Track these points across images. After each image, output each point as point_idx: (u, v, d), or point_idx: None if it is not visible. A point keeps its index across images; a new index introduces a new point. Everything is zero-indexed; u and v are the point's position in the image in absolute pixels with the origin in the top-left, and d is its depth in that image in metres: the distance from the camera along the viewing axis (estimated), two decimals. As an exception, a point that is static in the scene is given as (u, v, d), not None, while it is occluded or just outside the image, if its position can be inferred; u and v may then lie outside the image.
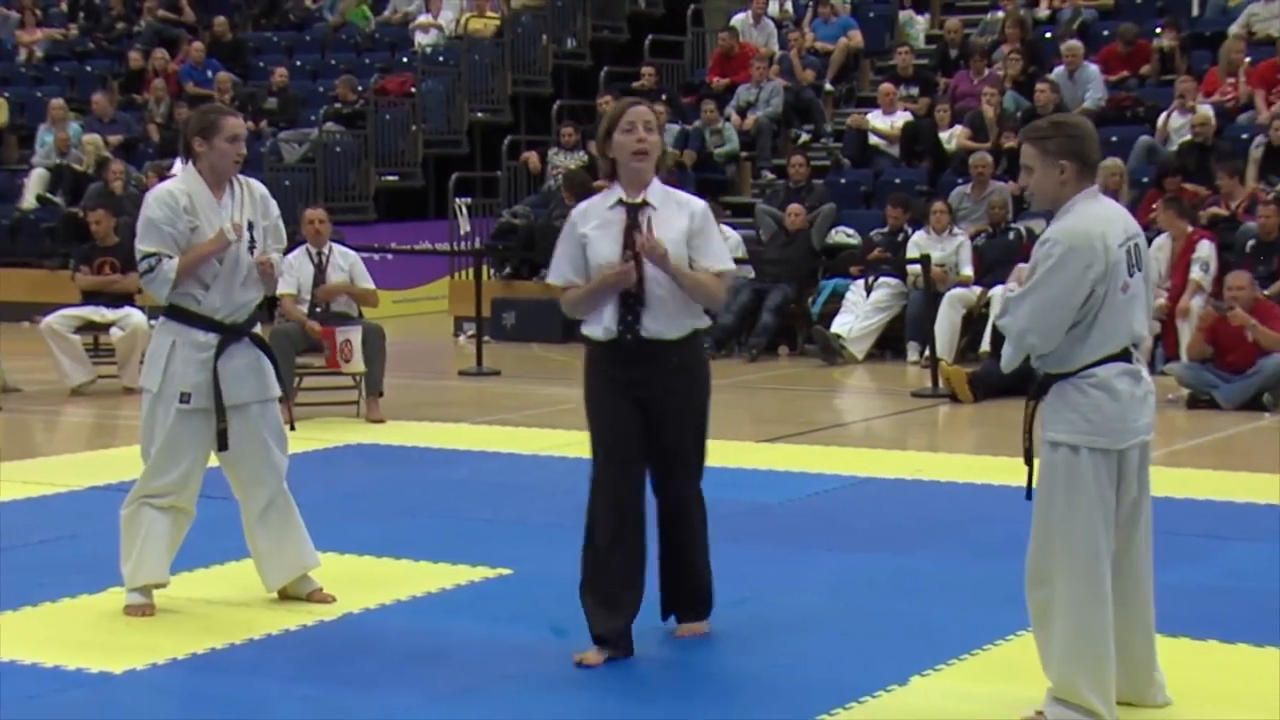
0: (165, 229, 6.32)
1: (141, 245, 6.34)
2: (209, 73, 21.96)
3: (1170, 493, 8.83)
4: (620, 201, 5.80)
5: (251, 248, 6.44)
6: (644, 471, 5.94)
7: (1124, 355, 5.03)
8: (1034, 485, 5.20)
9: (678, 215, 5.81)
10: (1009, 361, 5.09)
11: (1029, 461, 5.22)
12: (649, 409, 5.88)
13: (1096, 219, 4.98)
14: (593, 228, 5.79)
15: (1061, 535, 5.03)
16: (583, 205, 5.94)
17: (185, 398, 6.37)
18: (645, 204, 5.79)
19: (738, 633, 6.26)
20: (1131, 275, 5.00)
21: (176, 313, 6.41)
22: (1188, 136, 15.91)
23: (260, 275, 6.46)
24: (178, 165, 6.59)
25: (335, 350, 11.44)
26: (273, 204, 6.60)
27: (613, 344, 5.84)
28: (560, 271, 5.90)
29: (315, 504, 7.63)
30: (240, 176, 6.54)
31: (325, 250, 11.78)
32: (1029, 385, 5.22)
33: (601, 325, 5.86)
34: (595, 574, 5.85)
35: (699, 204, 5.89)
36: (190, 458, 6.44)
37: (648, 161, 5.75)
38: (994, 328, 13.51)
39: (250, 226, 6.44)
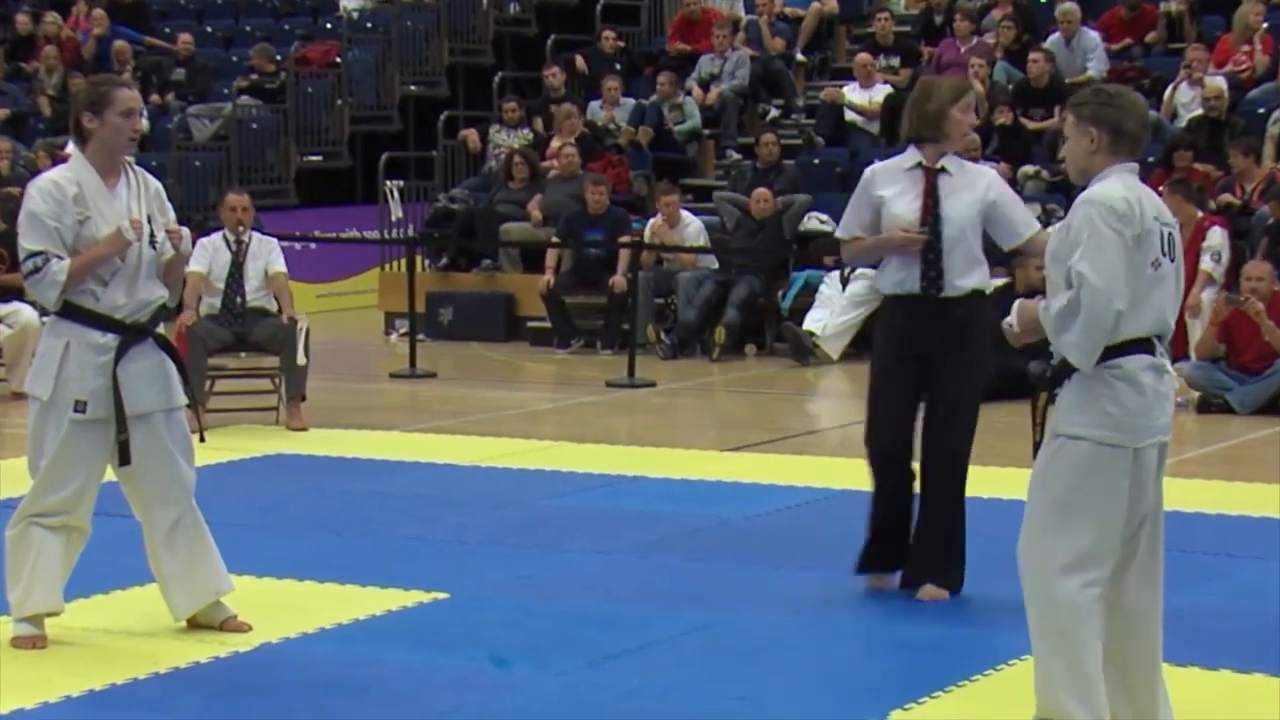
0: (51, 224, 6.28)
1: (26, 243, 6.29)
2: (114, 42, 21.83)
3: (1178, 506, 8.86)
4: (919, 165, 7.02)
5: (153, 242, 6.43)
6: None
7: (1148, 345, 5.08)
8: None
9: (971, 184, 7.00)
10: (1093, 349, 4.99)
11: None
12: (931, 363, 7.00)
13: (1133, 186, 5.10)
14: (892, 191, 7.04)
15: (1061, 538, 5.07)
16: (878, 165, 7.21)
17: (80, 406, 6.34)
18: (943, 169, 6.99)
19: (700, 660, 6.29)
20: (1165, 255, 5.09)
21: (71, 311, 6.37)
22: (1198, 111, 16.01)
23: (170, 244, 6.46)
24: (72, 145, 6.57)
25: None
26: (169, 205, 6.60)
27: (912, 299, 6.99)
28: (848, 227, 7.32)
29: (230, 521, 7.62)
30: (136, 167, 6.55)
31: (245, 238, 11.74)
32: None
33: (896, 280, 7.03)
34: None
35: (991, 172, 7.13)
36: (85, 472, 6.41)
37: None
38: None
39: (149, 220, 6.43)
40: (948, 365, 7.02)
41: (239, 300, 11.71)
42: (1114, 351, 5.04)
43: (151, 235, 6.42)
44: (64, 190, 6.33)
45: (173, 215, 6.61)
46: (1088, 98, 5.23)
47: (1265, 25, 17.03)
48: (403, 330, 16.45)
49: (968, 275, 6.97)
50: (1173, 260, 5.14)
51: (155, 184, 6.58)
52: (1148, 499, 5.15)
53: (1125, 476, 5.07)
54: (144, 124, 19.23)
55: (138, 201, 6.43)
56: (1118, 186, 5.07)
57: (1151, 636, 5.23)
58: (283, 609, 6.96)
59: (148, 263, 6.42)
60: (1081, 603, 5.04)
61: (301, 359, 11.66)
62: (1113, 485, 5.06)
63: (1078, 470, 5.06)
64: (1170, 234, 5.15)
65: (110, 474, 6.52)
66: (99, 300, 6.35)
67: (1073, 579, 5.04)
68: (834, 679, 6.10)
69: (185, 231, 6.59)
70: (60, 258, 6.26)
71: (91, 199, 6.33)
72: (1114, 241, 4.98)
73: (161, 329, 6.61)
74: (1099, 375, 5.05)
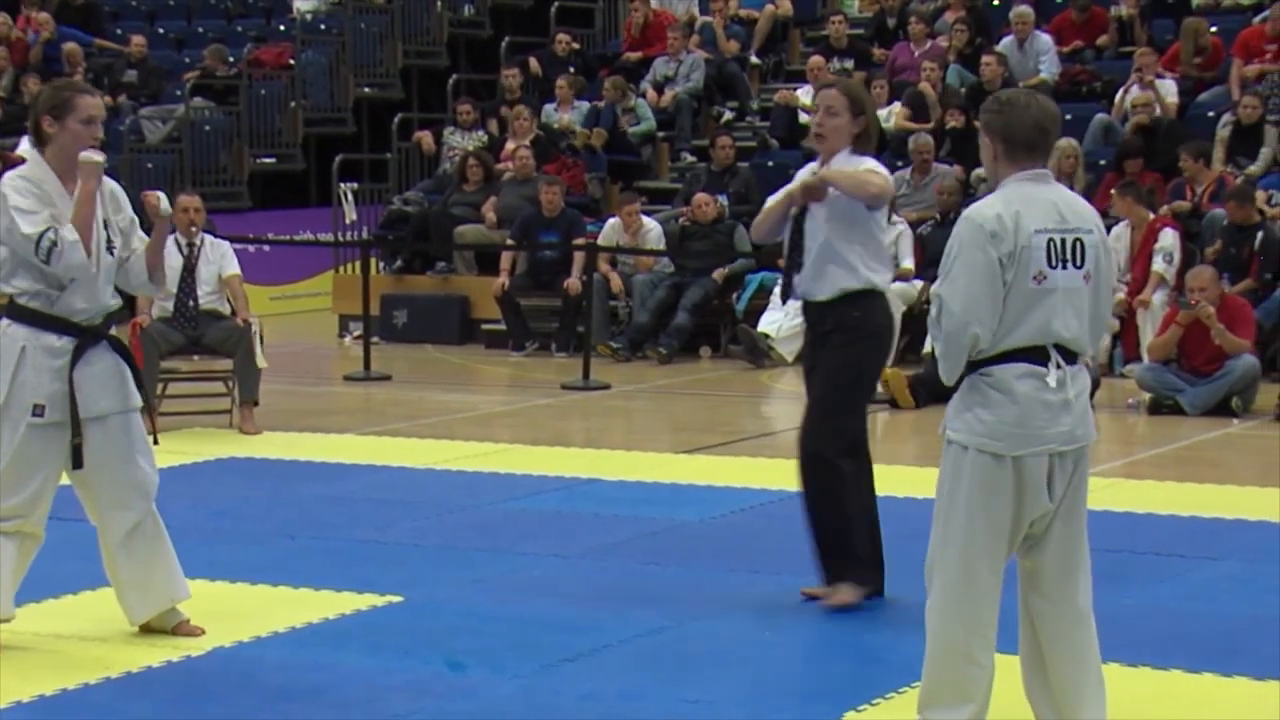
0: (45, 209, 6.24)
1: (27, 229, 6.22)
2: (64, 43, 21.70)
3: (1130, 507, 8.96)
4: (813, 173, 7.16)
5: (111, 248, 6.40)
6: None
7: (1032, 355, 5.05)
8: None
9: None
10: (952, 369, 5.11)
11: None
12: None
13: (1013, 200, 5.06)
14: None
15: (938, 541, 5.12)
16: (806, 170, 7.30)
17: (39, 410, 6.30)
18: None
19: (655, 663, 6.29)
20: (1054, 267, 5.02)
21: (25, 314, 6.34)
22: (1141, 116, 16.07)
23: (148, 212, 6.46)
24: (24, 145, 6.53)
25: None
26: (125, 201, 6.56)
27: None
28: None
29: (182, 525, 7.58)
30: None
31: (196, 242, 11.70)
32: None
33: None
34: None
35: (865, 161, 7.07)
36: (42, 477, 6.37)
37: (823, 145, 7.13)
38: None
39: (106, 224, 6.40)
40: (815, 368, 7.12)
41: (191, 303, 11.66)
42: (990, 360, 5.05)
43: (109, 241, 6.40)
44: (33, 184, 6.30)
45: (129, 211, 6.56)
46: (986, 107, 5.24)
47: (1213, 30, 17.12)
48: (357, 333, 16.41)
49: (825, 279, 6.94)
50: (1077, 267, 5.06)
51: (111, 185, 6.55)
52: (1039, 506, 5.07)
53: (1004, 483, 5.03)
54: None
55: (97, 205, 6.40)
56: (996, 203, 5.07)
57: (1069, 636, 5.17)
58: (236, 613, 6.93)
59: (107, 269, 6.40)
60: (966, 616, 5.05)
61: (262, 361, 11.63)
62: (990, 492, 5.03)
63: (956, 473, 5.09)
64: (1076, 240, 5.06)
65: (64, 478, 6.48)
66: (54, 304, 6.32)
67: (954, 590, 5.06)
68: (789, 681, 6.11)
69: (160, 194, 6.55)
70: (61, 226, 6.23)
71: (53, 199, 6.31)
72: (979, 263, 4.99)
73: (114, 331, 6.58)
74: (975, 383, 5.08)
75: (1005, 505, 5.04)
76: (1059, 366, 5.06)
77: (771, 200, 7.23)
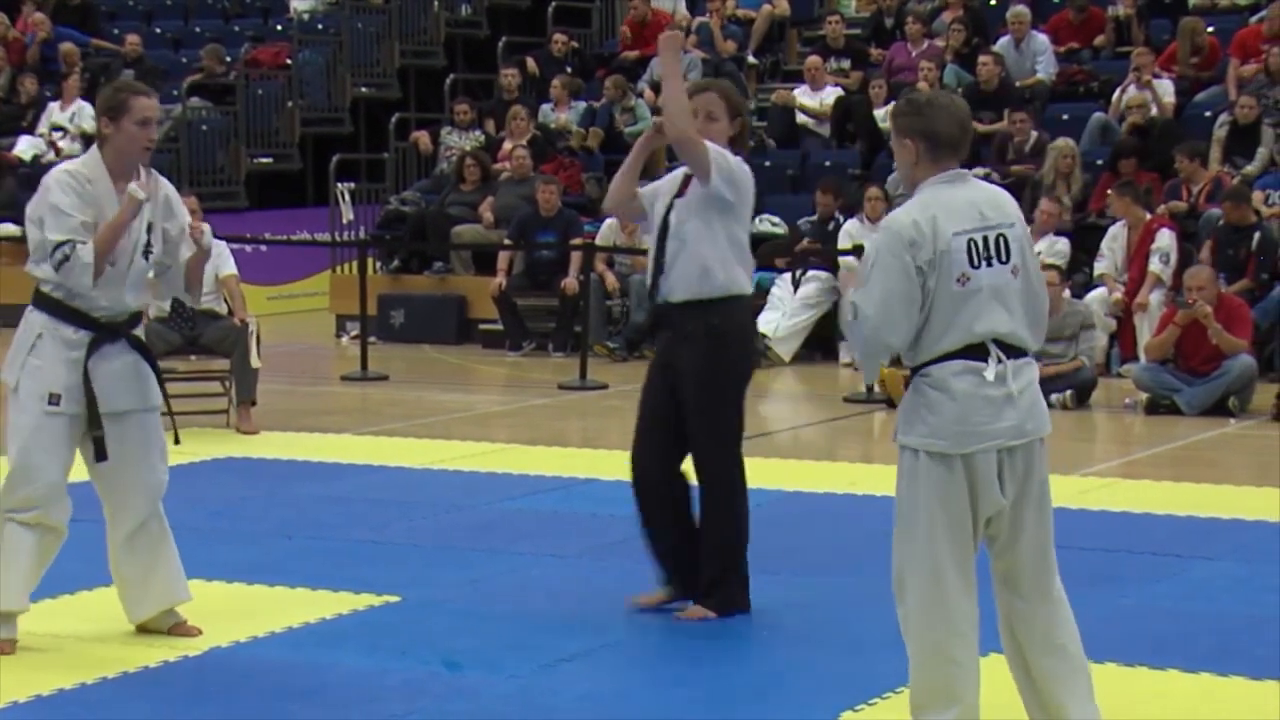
0: (77, 216, 6.26)
1: (51, 235, 6.26)
2: (61, 43, 21.71)
3: (1126, 507, 8.96)
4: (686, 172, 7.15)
5: (148, 253, 6.42)
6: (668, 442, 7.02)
7: (970, 353, 5.04)
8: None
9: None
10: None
11: None
12: (670, 378, 6.97)
13: (930, 205, 5.07)
14: (650, 195, 7.24)
15: (903, 547, 5.12)
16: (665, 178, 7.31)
17: (54, 399, 6.32)
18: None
19: (652, 662, 6.30)
20: (976, 267, 5.02)
21: (48, 303, 6.36)
22: (1137, 116, 16.07)
23: (192, 239, 6.50)
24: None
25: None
26: (179, 208, 6.57)
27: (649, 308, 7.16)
28: None
29: (179, 525, 7.56)
30: (153, 171, 6.53)
31: (193, 242, 11.73)
32: None
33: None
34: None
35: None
36: (57, 468, 6.36)
37: None
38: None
39: (149, 229, 6.42)
40: (677, 374, 6.91)
41: (188, 303, 11.65)
42: (929, 362, 5.06)
43: (148, 245, 6.41)
44: (80, 183, 6.32)
45: (186, 218, 6.58)
46: (899, 107, 5.25)
47: (1210, 30, 17.13)
48: (354, 333, 16.41)
49: (688, 281, 6.81)
50: (1003, 262, 5.06)
51: (168, 191, 6.56)
52: (994, 503, 5.06)
53: (958, 483, 5.03)
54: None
55: (149, 207, 6.41)
56: (913, 209, 5.07)
57: (1050, 635, 5.16)
58: (232, 613, 6.93)
59: (137, 272, 6.42)
60: (941, 617, 5.03)
61: (256, 361, 11.63)
62: (945, 493, 5.03)
63: (911, 478, 5.09)
64: (999, 236, 5.07)
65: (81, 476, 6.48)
66: (75, 298, 6.33)
67: (926, 593, 5.04)
68: (784, 680, 6.11)
69: (206, 227, 6.61)
70: (84, 242, 6.25)
71: (100, 199, 6.33)
72: (895, 270, 4.99)
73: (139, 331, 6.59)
74: (918, 385, 5.08)
75: (962, 504, 5.05)
76: (999, 361, 5.05)
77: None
